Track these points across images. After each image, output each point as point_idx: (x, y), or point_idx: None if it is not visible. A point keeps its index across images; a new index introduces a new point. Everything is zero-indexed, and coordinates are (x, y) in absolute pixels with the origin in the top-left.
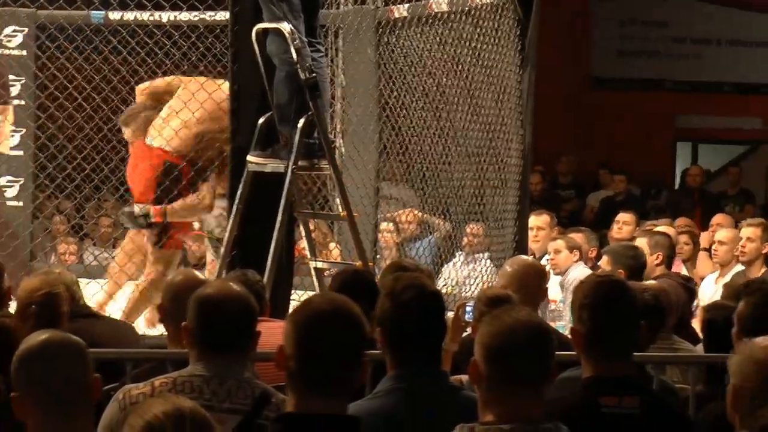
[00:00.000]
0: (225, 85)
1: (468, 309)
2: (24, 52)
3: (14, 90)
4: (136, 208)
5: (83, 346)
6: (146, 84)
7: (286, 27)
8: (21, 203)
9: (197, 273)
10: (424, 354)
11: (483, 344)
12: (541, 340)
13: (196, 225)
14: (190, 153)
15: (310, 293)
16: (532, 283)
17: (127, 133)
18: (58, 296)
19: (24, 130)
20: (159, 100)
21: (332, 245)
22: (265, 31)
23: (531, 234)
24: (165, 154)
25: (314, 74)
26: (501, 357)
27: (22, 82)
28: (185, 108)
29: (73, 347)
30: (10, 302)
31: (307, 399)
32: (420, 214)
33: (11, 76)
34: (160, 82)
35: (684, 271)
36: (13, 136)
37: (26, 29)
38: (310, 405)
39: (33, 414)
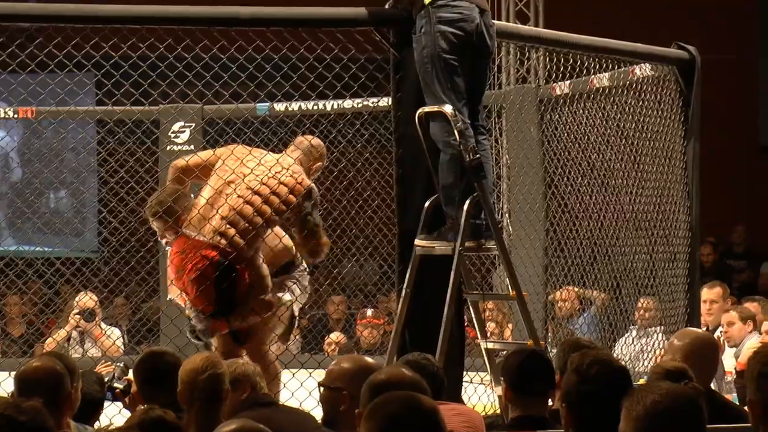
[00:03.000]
0: (268, 157)
1: None
2: (192, 147)
3: None
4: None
5: None
6: (182, 160)
7: (448, 110)
8: None
9: (367, 358)
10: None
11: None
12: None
13: (369, 312)
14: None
15: (482, 374)
16: (703, 355)
17: (156, 224)
18: (221, 376)
19: None
20: (186, 178)
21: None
22: (428, 114)
23: (704, 307)
24: (215, 250)
25: (478, 155)
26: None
27: None
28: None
29: None
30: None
31: None
32: (576, 289)
33: None
34: (196, 158)
35: None
36: None
37: (193, 124)
38: None
39: None
